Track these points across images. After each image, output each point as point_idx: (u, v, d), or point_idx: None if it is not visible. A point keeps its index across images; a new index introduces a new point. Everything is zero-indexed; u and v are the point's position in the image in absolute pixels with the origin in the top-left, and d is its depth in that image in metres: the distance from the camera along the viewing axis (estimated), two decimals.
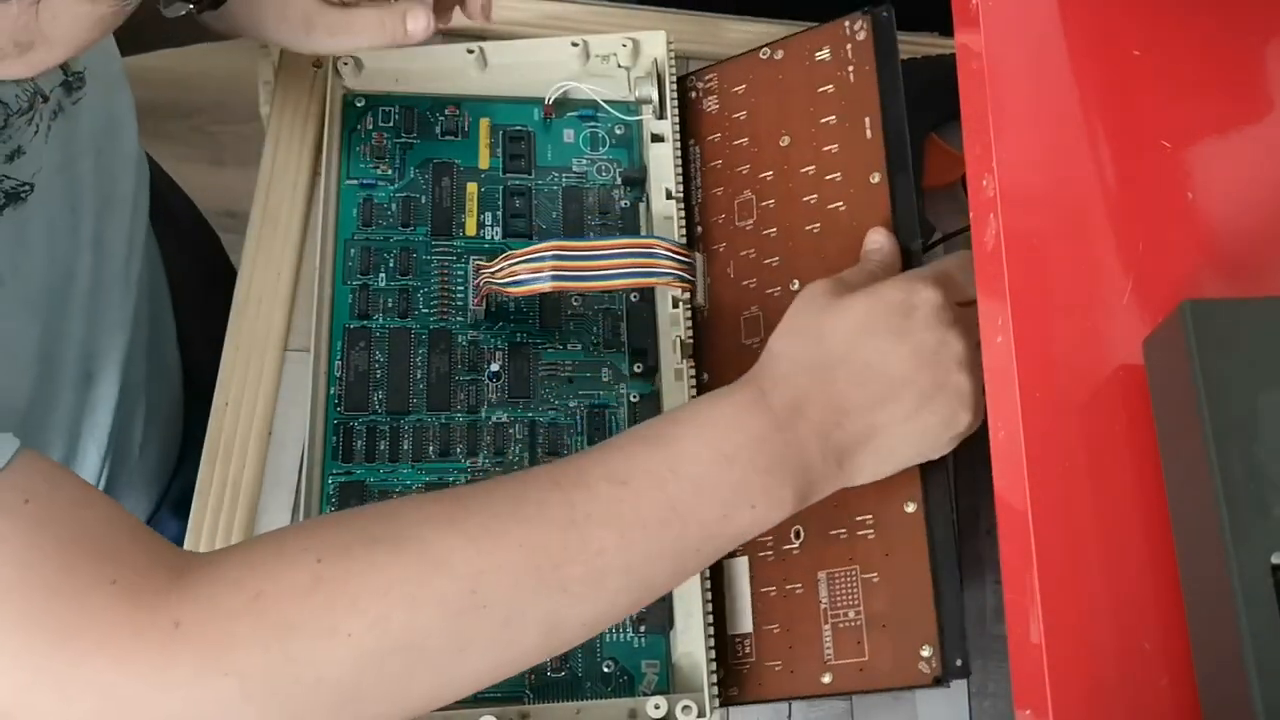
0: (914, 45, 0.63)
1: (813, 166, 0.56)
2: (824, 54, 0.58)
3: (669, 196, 0.55)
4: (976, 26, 0.49)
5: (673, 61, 0.58)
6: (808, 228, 0.55)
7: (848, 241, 0.54)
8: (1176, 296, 0.39)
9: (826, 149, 0.56)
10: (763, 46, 0.59)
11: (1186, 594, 0.40)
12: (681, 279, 0.52)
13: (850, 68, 0.57)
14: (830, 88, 0.57)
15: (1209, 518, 0.37)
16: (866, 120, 0.56)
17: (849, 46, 0.57)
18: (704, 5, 0.66)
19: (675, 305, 0.53)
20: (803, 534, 0.51)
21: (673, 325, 0.53)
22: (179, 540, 0.52)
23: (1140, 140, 0.46)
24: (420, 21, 0.54)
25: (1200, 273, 0.44)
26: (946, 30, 0.56)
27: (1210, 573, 0.38)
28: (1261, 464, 0.37)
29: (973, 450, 0.54)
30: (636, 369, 0.54)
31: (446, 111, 0.58)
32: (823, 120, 0.57)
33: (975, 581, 0.53)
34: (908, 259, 0.53)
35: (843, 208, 0.55)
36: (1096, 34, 0.49)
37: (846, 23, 0.57)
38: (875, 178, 0.55)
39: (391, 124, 0.58)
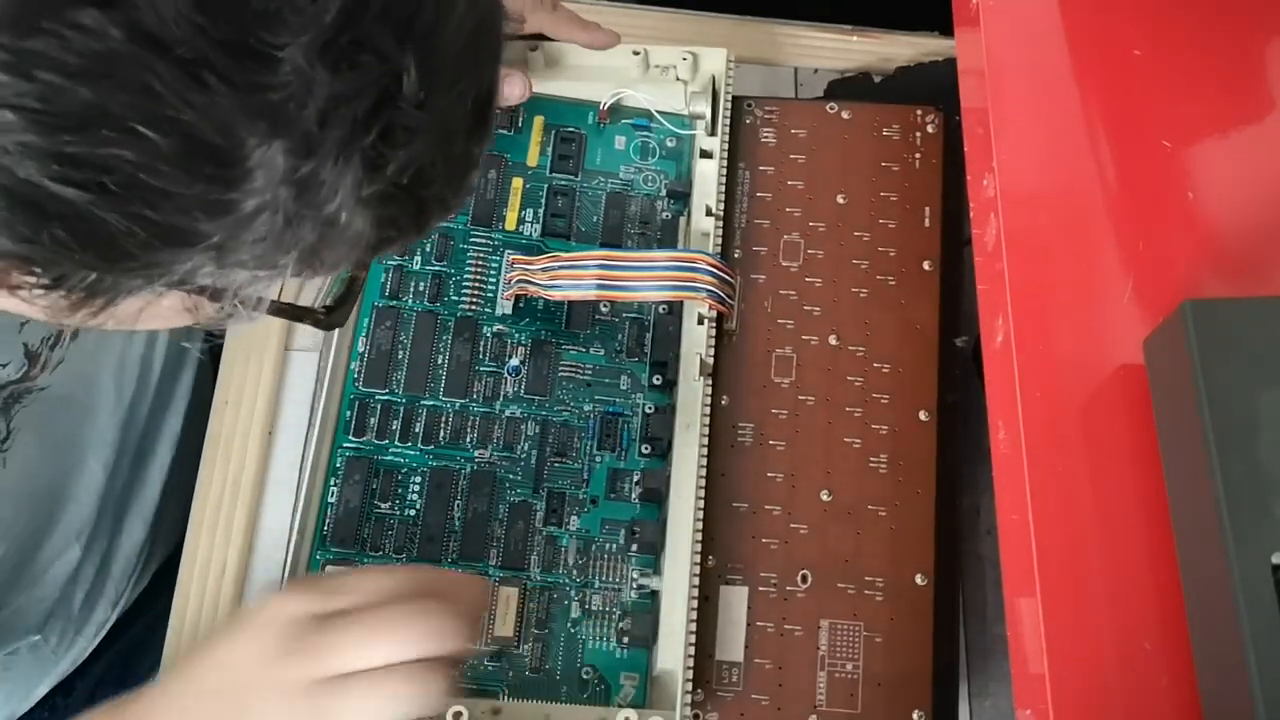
0: (914, 45, 0.63)
1: (868, 234, 0.57)
2: (892, 131, 0.59)
3: (709, 214, 0.56)
4: (976, 26, 0.49)
5: (730, 80, 0.58)
6: (854, 290, 0.56)
7: (891, 316, 0.55)
8: (1176, 296, 0.39)
9: (883, 222, 0.57)
10: (829, 102, 0.60)
11: (1187, 594, 0.39)
12: (721, 300, 0.53)
13: (917, 155, 0.58)
14: (895, 166, 0.58)
15: (1209, 518, 0.37)
16: (927, 209, 0.57)
17: (918, 134, 0.59)
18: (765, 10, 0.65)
19: (700, 322, 0.53)
20: (810, 579, 0.51)
21: (696, 342, 0.53)
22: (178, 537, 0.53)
23: (1140, 140, 0.46)
24: (517, 87, 0.55)
25: (1200, 273, 0.44)
26: (946, 30, 0.56)
27: (1211, 573, 0.38)
28: (1261, 464, 0.37)
29: (973, 449, 0.54)
30: (655, 381, 0.53)
31: (504, 108, 0.58)
32: (883, 194, 0.58)
33: (975, 581, 0.52)
34: (953, 355, 0.54)
35: (892, 282, 0.56)
36: (1096, 34, 0.49)
37: (919, 111, 0.59)
38: (928, 265, 0.56)
39: None
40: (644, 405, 0.53)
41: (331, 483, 0.51)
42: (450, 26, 0.28)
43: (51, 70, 0.23)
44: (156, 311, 0.30)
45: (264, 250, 0.27)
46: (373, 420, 0.52)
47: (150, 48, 0.23)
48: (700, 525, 0.50)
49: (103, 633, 0.61)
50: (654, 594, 0.50)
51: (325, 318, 0.37)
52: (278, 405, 0.55)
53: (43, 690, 0.59)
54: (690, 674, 0.48)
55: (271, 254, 0.27)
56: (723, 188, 0.56)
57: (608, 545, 0.51)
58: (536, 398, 0.53)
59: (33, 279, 0.26)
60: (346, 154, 0.26)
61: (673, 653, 0.48)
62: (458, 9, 0.28)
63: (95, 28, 0.22)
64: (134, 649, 0.63)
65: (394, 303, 0.54)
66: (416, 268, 0.55)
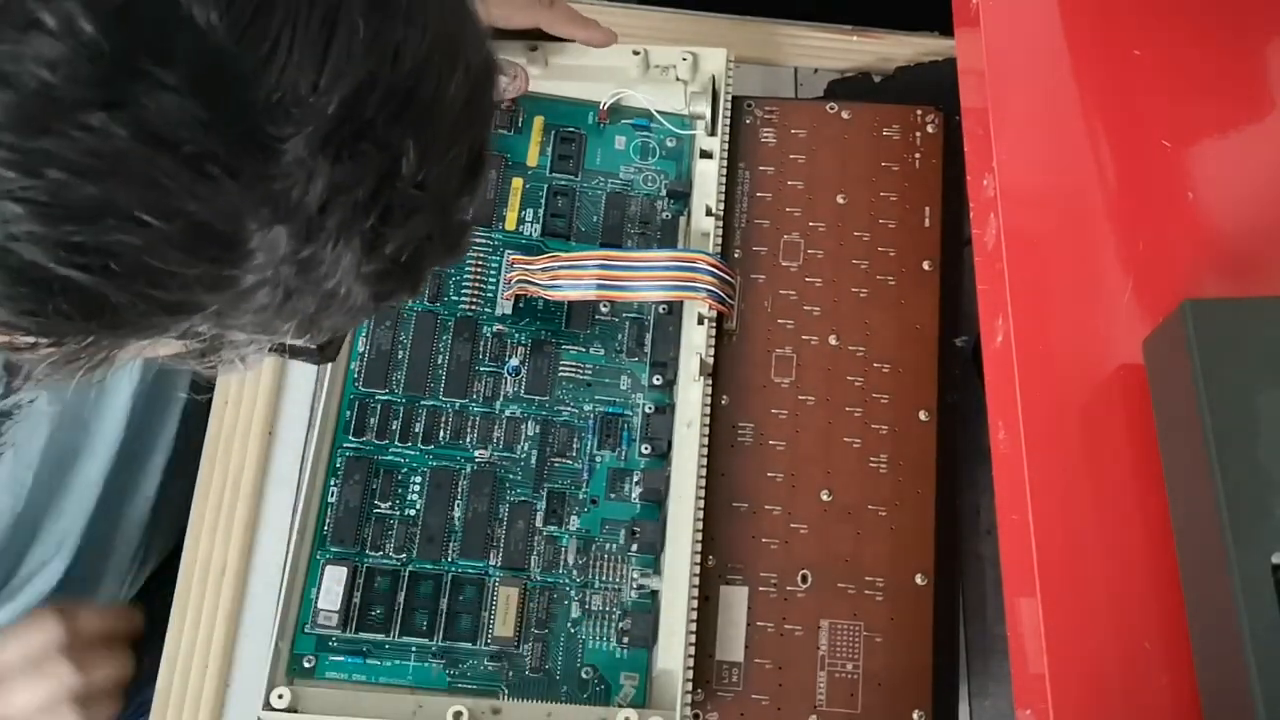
0: (914, 45, 0.63)
1: (868, 234, 0.57)
2: (892, 131, 0.59)
3: (709, 214, 0.56)
4: (977, 26, 0.49)
5: (730, 80, 0.58)
6: (854, 290, 0.56)
7: (891, 316, 0.55)
8: (1176, 296, 0.39)
9: (883, 222, 0.57)
10: (829, 102, 0.60)
11: (1187, 594, 0.39)
12: (721, 299, 0.53)
13: (917, 155, 0.58)
14: (895, 166, 0.58)
15: (1210, 518, 0.37)
16: (927, 209, 0.57)
17: (918, 134, 0.59)
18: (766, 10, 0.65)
19: (700, 322, 0.53)
20: (810, 579, 0.51)
21: (696, 342, 0.53)
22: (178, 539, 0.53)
23: (1140, 140, 0.46)
24: (515, 81, 0.55)
25: (1200, 273, 0.44)
26: (946, 30, 0.56)
27: (1211, 573, 0.38)
28: (1261, 464, 0.37)
29: (973, 449, 0.54)
30: (656, 381, 0.53)
31: (503, 105, 0.58)
32: (883, 194, 0.58)
33: (975, 581, 0.53)
34: (953, 355, 0.54)
35: (892, 282, 0.56)
36: (1096, 34, 0.49)
37: (919, 111, 0.59)
38: (927, 265, 0.56)
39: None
40: (644, 405, 0.53)
41: (331, 483, 0.51)
42: (446, 101, 0.28)
43: (59, 168, 0.23)
44: (153, 352, 0.31)
45: (263, 318, 0.28)
46: (373, 420, 0.52)
47: (156, 145, 0.23)
48: (700, 525, 0.50)
49: None
50: (654, 594, 0.50)
51: (318, 354, 0.37)
52: (278, 405, 0.55)
53: None
54: (690, 674, 0.48)
55: (271, 321, 0.28)
56: (723, 188, 0.56)
57: (608, 545, 0.51)
58: (536, 398, 0.53)
59: (32, 339, 0.27)
60: (347, 236, 0.27)
61: (673, 653, 0.48)
62: (454, 82, 0.28)
63: (102, 129, 0.23)
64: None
65: None
66: None
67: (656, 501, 0.51)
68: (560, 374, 0.53)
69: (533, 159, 0.57)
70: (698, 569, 0.49)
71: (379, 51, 0.26)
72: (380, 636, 0.49)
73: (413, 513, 0.51)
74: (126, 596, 0.62)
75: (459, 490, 0.51)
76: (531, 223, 0.56)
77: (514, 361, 0.54)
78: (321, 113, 0.25)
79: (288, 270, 0.26)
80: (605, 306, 0.54)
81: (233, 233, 0.25)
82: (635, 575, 0.50)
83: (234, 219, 0.25)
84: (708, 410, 0.52)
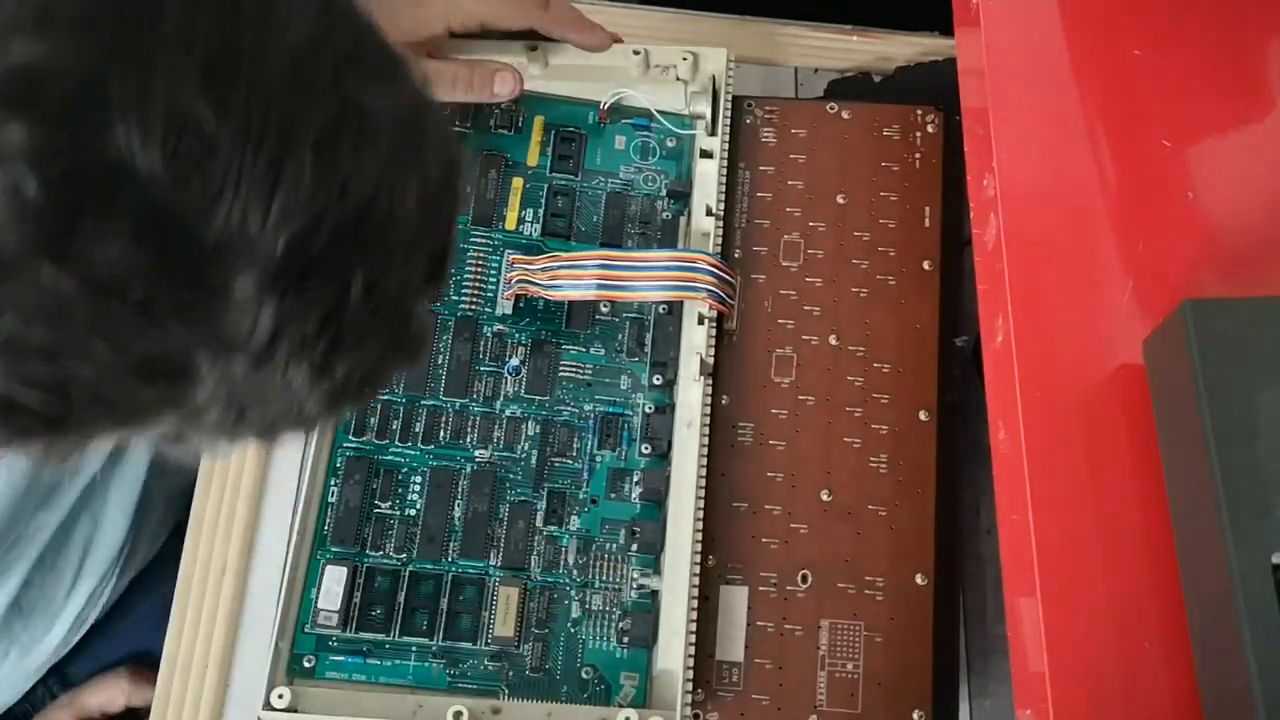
0: (914, 45, 0.63)
1: (868, 234, 0.57)
2: (892, 131, 0.59)
3: (709, 213, 0.56)
4: (977, 26, 0.49)
5: (730, 80, 0.58)
6: (854, 290, 0.56)
7: (891, 316, 0.55)
8: (1176, 296, 0.39)
9: (883, 222, 0.57)
10: (829, 102, 0.60)
11: (1187, 594, 0.40)
12: (721, 299, 0.53)
13: (918, 155, 0.58)
14: (895, 166, 0.58)
15: (1210, 518, 0.37)
16: (927, 209, 0.57)
17: (918, 134, 0.58)
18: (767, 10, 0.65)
19: (701, 322, 0.53)
20: (810, 579, 0.51)
21: (696, 342, 0.53)
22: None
23: (1140, 140, 0.46)
24: (508, 84, 0.55)
25: (1200, 273, 0.44)
26: (946, 30, 0.56)
27: (1211, 573, 0.38)
28: (1261, 464, 0.37)
29: (973, 449, 0.54)
30: (656, 380, 0.53)
31: (503, 105, 0.58)
32: (883, 193, 0.58)
33: (975, 581, 0.53)
34: (953, 355, 0.54)
35: (892, 282, 0.56)
36: (1097, 33, 0.49)
37: (919, 111, 0.59)
38: (928, 265, 0.56)
39: (447, 111, 0.58)
40: (644, 405, 0.53)
41: (331, 483, 0.51)
42: (400, 219, 0.28)
43: (12, 314, 0.23)
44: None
45: (221, 430, 0.29)
46: (373, 420, 0.52)
47: (103, 294, 0.24)
48: (700, 525, 0.50)
49: (84, 629, 0.61)
50: (654, 594, 0.50)
51: None
52: None
53: (22, 683, 0.60)
54: (690, 674, 0.48)
55: (229, 431, 0.29)
56: (723, 188, 0.56)
57: (608, 545, 0.51)
58: (537, 397, 0.53)
59: (3, 440, 0.27)
60: (296, 362, 0.27)
61: (673, 653, 0.48)
62: (409, 198, 0.28)
63: (49, 281, 0.23)
64: (120, 649, 0.63)
65: None
66: None
67: (656, 501, 0.51)
68: (560, 374, 0.53)
69: (533, 159, 0.57)
70: (698, 569, 0.49)
71: (328, 187, 0.26)
72: (380, 636, 0.49)
73: (413, 513, 0.51)
74: (114, 593, 0.62)
75: (459, 490, 0.51)
76: (531, 223, 0.56)
77: (514, 361, 0.54)
78: (269, 253, 0.25)
79: (240, 392, 0.27)
80: (605, 306, 0.54)
81: (183, 365, 0.26)
82: (635, 575, 0.50)
83: (184, 353, 0.26)
84: (708, 410, 0.52)
